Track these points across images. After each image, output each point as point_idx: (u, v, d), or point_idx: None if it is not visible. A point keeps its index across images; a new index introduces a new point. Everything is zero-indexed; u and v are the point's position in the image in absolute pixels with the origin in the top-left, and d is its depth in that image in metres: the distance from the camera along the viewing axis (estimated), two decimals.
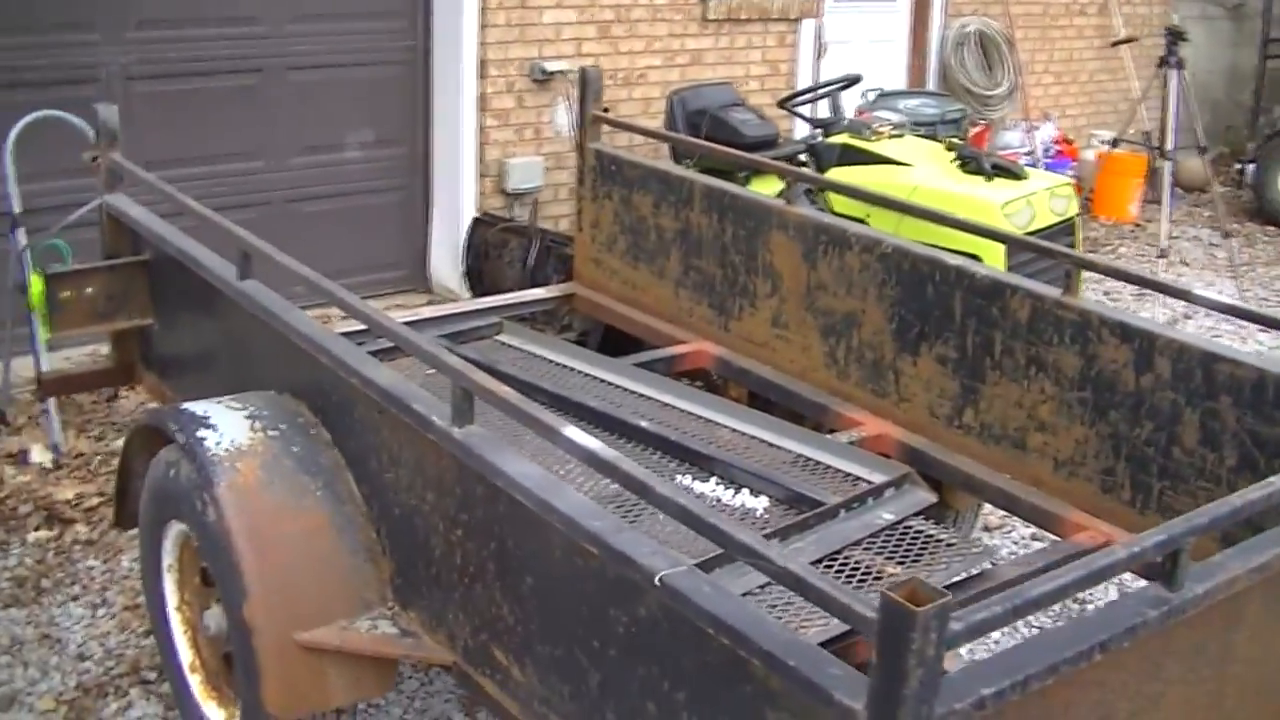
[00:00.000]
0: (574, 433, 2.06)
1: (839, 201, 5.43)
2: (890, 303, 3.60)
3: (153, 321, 3.73)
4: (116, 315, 3.71)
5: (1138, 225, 8.78)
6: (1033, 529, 4.30)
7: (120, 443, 4.92)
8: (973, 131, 6.87)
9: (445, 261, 6.84)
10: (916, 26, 8.67)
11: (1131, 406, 3.08)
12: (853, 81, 6.11)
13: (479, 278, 6.44)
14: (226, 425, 2.79)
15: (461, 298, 6.69)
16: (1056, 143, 8.74)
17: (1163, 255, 7.82)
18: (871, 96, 7.00)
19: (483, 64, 6.58)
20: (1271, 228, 8.63)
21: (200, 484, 2.71)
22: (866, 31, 8.39)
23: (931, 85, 8.49)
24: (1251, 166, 9.70)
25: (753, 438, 3.37)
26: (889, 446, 3.55)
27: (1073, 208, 5.67)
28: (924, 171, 5.58)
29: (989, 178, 5.47)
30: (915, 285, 3.53)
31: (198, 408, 2.87)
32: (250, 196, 6.31)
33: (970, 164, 5.52)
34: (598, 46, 6.97)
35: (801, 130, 6.76)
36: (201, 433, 2.76)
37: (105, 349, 4.10)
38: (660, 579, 1.88)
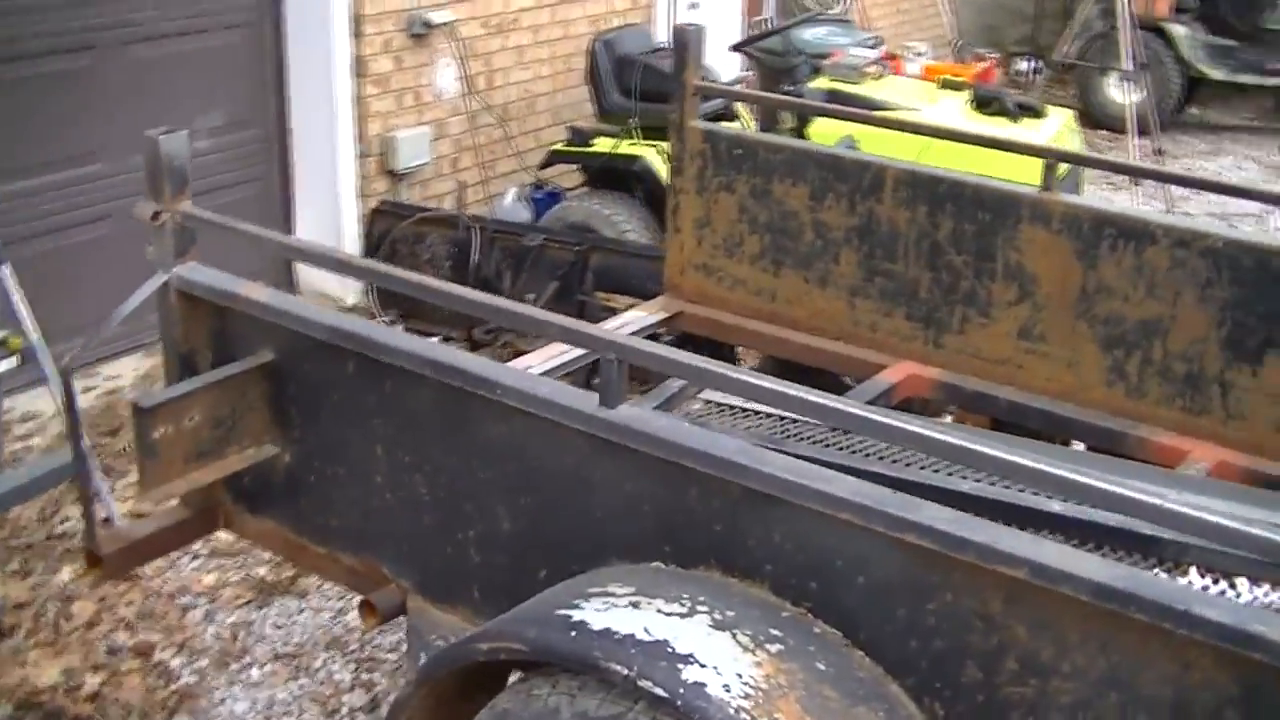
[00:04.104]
0: None
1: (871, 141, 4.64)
2: (1219, 306, 2.97)
3: (278, 449, 2.58)
4: (226, 449, 2.53)
5: None
6: None
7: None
8: (978, 66, 6.27)
9: None
10: None
11: None
12: (810, 19, 5.38)
13: None
14: (708, 650, 1.81)
15: (345, 302, 5.57)
16: (884, 58, 8.29)
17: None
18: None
19: (357, 20, 5.38)
20: (1104, 131, 8.55)
21: None
22: None
23: (770, 4, 7.84)
24: (1029, 64, 9.78)
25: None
26: (1232, 474, 2.96)
27: (1079, 141, 5.22)
28: (940, 116, 4.94)
29: (1014, 118, 4.91)
30: (1261, 284, 2.92)
31: (628, 624, 1.83)
32: (87, 211, 4.91)
33: (992, 104, 4.92)
34: None
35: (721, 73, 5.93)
36: (687, 672, 1.77)
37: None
38: None
